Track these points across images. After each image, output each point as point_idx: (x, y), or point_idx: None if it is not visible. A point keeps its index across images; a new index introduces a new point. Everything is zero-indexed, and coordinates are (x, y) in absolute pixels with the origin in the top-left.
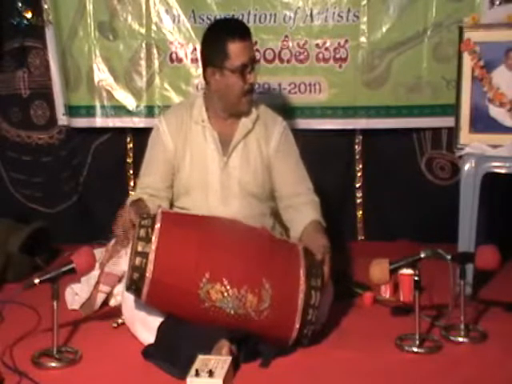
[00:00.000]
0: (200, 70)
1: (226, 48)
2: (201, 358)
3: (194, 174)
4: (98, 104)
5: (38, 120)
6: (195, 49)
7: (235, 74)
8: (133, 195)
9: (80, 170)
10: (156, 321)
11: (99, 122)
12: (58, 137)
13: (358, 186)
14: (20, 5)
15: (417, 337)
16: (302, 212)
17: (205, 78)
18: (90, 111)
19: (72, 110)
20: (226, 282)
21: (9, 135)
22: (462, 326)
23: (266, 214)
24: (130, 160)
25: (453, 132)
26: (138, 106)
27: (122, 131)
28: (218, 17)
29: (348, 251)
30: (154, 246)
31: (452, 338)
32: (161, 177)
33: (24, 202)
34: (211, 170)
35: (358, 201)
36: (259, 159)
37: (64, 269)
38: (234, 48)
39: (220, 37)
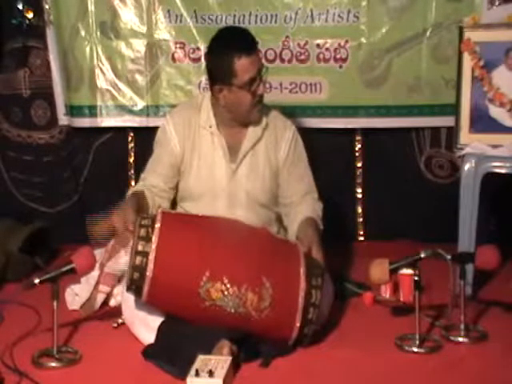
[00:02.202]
0: (201, 69)
1: (233, 65)
2: (201, 357)
3: (200, 180)
4: (100, 104)
5: (39, 120)
6: (197, 48)
7: (244, 89)
8: (135, 187)
9: (81, 169)
10: (156, 321)
11: (101, 121)
12: (58, 137)
13: (357, 184)
14: (21, 5)
15: (417, 337)
16: (301, 211)
17: (212, 93)
18: (92, 111)
19: (74, 110)
20: (226, 281)
21: (9, 135)
22: (462, 326)
23: (271, 220)
24: (131, 160)
25: (451, 131)
26: (140, 106)
27: (122, 131)
28: (219, 17)
29: (348, 251)
30: (154, 246)
31: (452, 337)
32: (164, 178)
33: (24, 202)
34: (219, 177)
35: (358, 200)
36: (268, 167)
37: (64, 269)
38: (242, 65)
39: (226, 54)
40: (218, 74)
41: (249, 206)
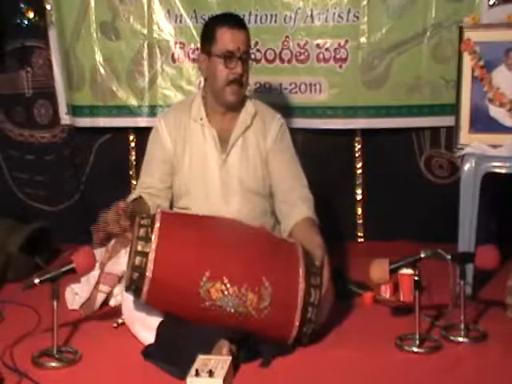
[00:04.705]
0: None
1: (214, 33)
2: (201, 357)
3: (193, 173)
4: (100, 104)
5: (41, 119)
6: (197, 48)
7: (221, 61)
8: (133, 193)
9: (82, 168)
10: (156, 321)
11: (102, 121)
12: (60, 136)
13: (357, 185)
14: (22, 5)
15: (417, 337)
16: (295, 207)
17: (199, 67)
18: (92, 111)
19: (75, 110)
20: (226, 281)
21: (12, 134)
22: (462, 326)
23: (267, 212)
24: (132, 159)
25: (451, 131)
26: (140, 106)
27: (124, 130)
28: None
29: (348, 251)
30: (153, 246)
31: (452, 337)
32: (160, 177)
33: (26, 201)
34: (211, 168)
35: (358, 200)
36: (258, 155)
37: (64, 269)
38: (222, 33)
39: (211, 23)
40: (202, 42)
41: (243, 194)
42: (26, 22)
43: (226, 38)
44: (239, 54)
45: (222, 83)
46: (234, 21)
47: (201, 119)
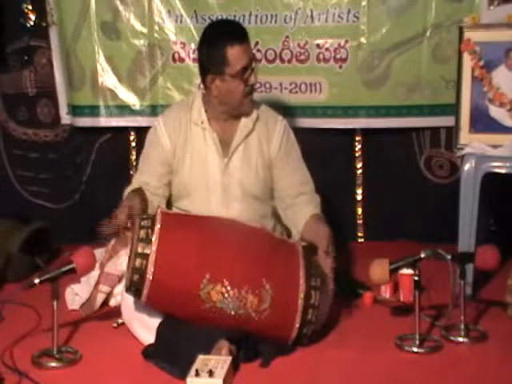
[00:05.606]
0: None
1: (226, 54)
2: (201, 358)
3: (194, 176)
4: (101, 103)
5: (44, 118)
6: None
7: (236, 78)
8: (131, 186)
9: (84, 167)
10: (156, 321)
11: (103, 121)
12: (63, 135)
13: (357, 185)
14: (24, 6)
15: (417, 337)
16: (303, 209)
17: (204, 84)
18: (93, 111)
19: (76, 110)
20: (226, 283)
21: (15, 133)
22: (462, 326)
23: (267, 214)
24: (133, 158)
25: (451, 131)
26: (141, 106)
27: (124, 130)
28: (219, 17)
29: (348, 251)
30: (154, 248)
31: (452, 337)
32: (157, 177)
33: (29, 199)
34: (212, 171)
35: (358, 200)
36: (260, 159)
37: (64, 269)
38: (234, 53)
39: (218, 43)
40: (211, 63)
41: (243, 198)
42: (27, 23)
43: (239, 57)
44: (251, 64)
45: (240, 98)
46: (238, 34)
47: (202, 122)
